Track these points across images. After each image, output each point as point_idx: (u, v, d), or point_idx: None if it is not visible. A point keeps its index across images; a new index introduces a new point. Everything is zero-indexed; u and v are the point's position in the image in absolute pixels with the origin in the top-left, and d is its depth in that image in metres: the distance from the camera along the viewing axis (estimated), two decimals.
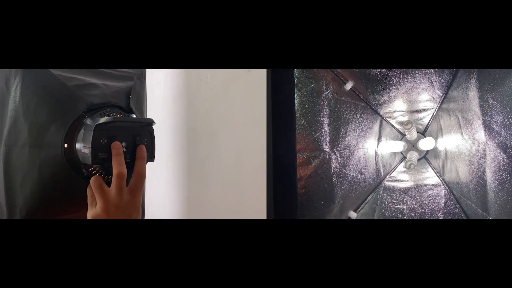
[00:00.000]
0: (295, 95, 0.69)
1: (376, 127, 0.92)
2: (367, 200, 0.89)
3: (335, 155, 0.84)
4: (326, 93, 0.81)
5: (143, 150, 0.57)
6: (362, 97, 0.88)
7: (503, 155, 0.64)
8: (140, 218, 0.55)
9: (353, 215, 0.87)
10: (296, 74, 0.73)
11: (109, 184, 0.53)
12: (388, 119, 0.92)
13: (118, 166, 0.52)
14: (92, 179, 0.53)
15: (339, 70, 0.83)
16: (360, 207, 0.88)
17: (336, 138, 0.85)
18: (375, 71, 0.85)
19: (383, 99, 0.89)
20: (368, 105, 0.89)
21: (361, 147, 0.89)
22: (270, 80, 0.62)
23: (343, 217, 0.87)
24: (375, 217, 0.88)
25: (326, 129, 0.82)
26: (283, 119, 0.63)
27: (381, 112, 0.91)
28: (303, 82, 0.77)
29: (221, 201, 0.92)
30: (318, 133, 0.80)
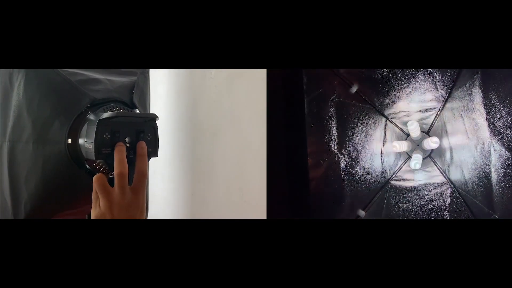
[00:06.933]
0: (305, 101, 0.71)
1: (381, 128, 0.94)
2: (375, 199, 0.91)
3: (343, 156, 0.87)
4: (333, 97, 0.84)
5: (143, 147, 0.55)
6: (367, 99, 0.91)
7: (508, 154, 0.66)
8: (144, 217, 0.55)
9: (361, 213, 0.90)
10: (305, 81, 0.75)
11: (112, 181, 0.52)
12: (393, 120, 0.94)
13: (118, 165, 0.51)
14: (94, 178, 0.52)
15: (345, 75, 0.86)
16: (369, 206, 0.91)
17: (343, 140, 0.87)
18: (379, 74, 0.87)
19: (387, 100, 0.91)
20: (373, 107, 0.91)
21: (367, 148, 0.91)
22: (282, 87, 0.64)
23: (353, 216, 0.89)
24: (383, 216, 0.90)
25: (334, 131, 0.84)
26: (295, 124, 0.65)
27: (386, 113, 0.93)
28: (311, 87, 0.79)
29: (226, 197, 0.92)
30: (327, 136, 0.82)
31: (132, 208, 0.52)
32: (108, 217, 0.51)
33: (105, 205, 0.51)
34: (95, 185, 0.52)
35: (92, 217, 0.53)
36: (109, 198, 0.51)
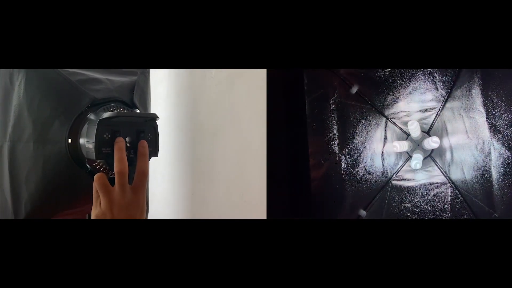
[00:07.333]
0: (306, 101, 0.71)
1: (381, 128, 0.94)
2: (376, 198, 0.91)
3: (344, 156, 0.87)
4: (333, 97, 0.84)
5: (144, 146, 0.55)
6: (367, 99, 0.91)
7: (508, 153, 0.66)
8: (144, 216, 0.55)
9: (363, 213, 0.90)
10: (306, 81, 0.75)
11: (112, 180, 0.52)
12: (393, 120, 0.94)
13: (118, 164, 0.51)
14: (95, 177, 0.52)
15: (345, 75, 0.86)
16: (370, 206, 0.91)
17: (344, 140, 0.87)
18: (379, 74, 0.87)
19: (387, 100, 0.92)
20: (373, 107, 0.92)
21: (368, 148, 0.91)
22: (282, 87, 0.64)
23: (354, 216, 0.89)
24: (384, 216, 0.90)
25: (335, 132, 0.84)
26: (295, 125, 0.65)
27: (386, 113, 0.93)
28: (312, 88, 0.79)
29: (226, 197, 0.92)
30: (328, 136, 0.83)
31: (133, 207, 0.52)
32: (108, 216, 0.51)
33: (105, 204, 0.51)
34: (95, 184, 0.52)
35: (93, 216, 0.53)
36: (110, 197, 0.51)
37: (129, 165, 0.52)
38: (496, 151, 0.69)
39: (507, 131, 0.66)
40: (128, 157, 0.53)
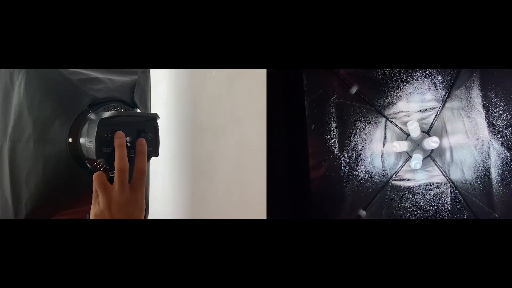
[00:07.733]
0: (305, 102, 0.72)
1: (381, 128, 0.94)
2: (376, 199, 0.91)
3: (344, 156, 0.87)
4: (333, 98, 0.84)
5: (142, 144, 0.55)
6: (367, 99, 0.91)
7: (507, 153, 0.66)
8: (143, 215, 0.55)
9: (363, 213, 0.90)
10: (305, 82, 0.75)
11: (112, 180, 0.52)
12: (393, 120, 0.94)
13: (119, 160, 0.51)
14: (94, 176, 0.52)
15: (345, 75, 0.86)
16: (369, 206, 0.91)
17: (344, 140, 0.88)
18: (379, 74, 0.87)
19: (387, 100, 0.92)
20: (373, 107, 0.92)
21: (367, 148, 0.92)
22: (282, 87, 0.64)
23: (354, 216, 0.90)
24: (384, 216, 0.90)
25: (334, 132, 0.85)
26: (295, 125, 0.65)
27: (386, 113, 0.93)
28: (311, 88, 0.79)
29: (226, 197, 0.92)
30: (328, 137, 0.83)
31: (131, 206, 0.52)
32: (106, 214, 0.51)
33: (103, 202, 0.51)
34: (95, 183, 0.52)
35: (91, 215, 0.53)
36: (108, 196, 0.51)
37: (129, 164, 0.52)
38: (495, 151, 0.69)
39: (506, 131, 0.66)
40: (128, 156, 0.53)
